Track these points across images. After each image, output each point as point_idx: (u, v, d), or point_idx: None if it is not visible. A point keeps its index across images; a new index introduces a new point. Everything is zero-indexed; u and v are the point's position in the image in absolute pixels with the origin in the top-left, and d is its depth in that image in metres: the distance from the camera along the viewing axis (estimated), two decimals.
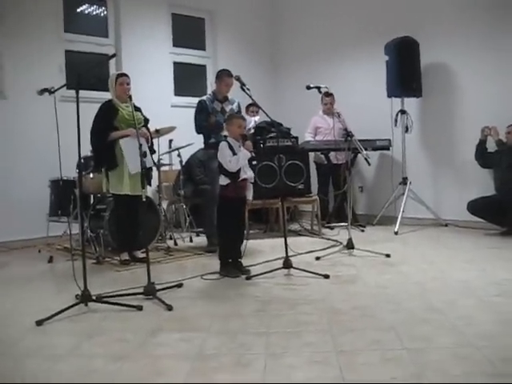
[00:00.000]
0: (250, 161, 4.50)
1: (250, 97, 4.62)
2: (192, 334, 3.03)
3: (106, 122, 4.85)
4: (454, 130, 6.63)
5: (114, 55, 4.04)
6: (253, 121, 5.88)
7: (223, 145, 4.50)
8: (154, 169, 5.48)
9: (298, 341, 2.88)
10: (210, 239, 5.60)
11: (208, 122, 5.39)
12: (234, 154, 4.44)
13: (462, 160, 6.53)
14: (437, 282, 4.03)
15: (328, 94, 6.93)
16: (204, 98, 5.63)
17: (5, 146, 6.11)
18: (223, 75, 5.51)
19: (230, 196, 4.48)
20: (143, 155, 3.91)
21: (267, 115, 4.65)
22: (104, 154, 4.89)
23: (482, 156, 6.08)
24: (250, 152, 4.49)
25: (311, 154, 7.27)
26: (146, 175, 3.95)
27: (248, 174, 4.57)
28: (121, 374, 2.53)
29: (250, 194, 4.64)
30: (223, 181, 4.49)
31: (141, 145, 3.86)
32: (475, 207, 6.02)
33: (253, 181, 4.70)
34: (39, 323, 3.27)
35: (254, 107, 7.23)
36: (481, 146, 6.08)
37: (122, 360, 2.68)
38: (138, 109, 5.06)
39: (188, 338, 2.97)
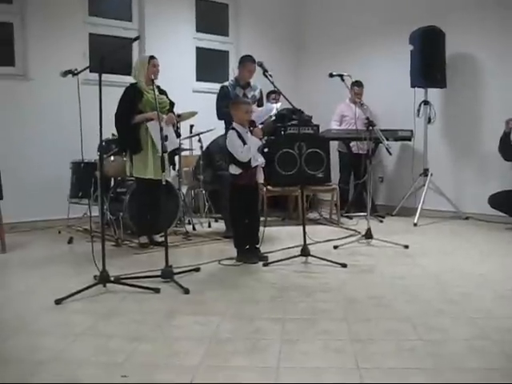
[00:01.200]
0: (260, 147, 4.46)
1: (272, 83, 4.59)
2: (208, 318, 3.05)
3: (131, 106, 4.86)
4: (478, 122, 6.54)
5: (137, 38, 4.04)
6: (274, 108, 5.85)
7: (232, 134, 4.42)
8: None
9: (313, 328, 2.89)
10: (228, 225, 5.62)
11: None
12: (244, 142, 4.39)
13: (485, 153, 6.44)
14: (454, 275, 4.00)
15: (359, 84, 6.89)
16: (226, 83, 5.62)
17: (28, 127, 6.18)
18: (246, 61, 5.49)
19: (242, 184, 4.46)
20: (164, 139, 3.93)
21: (289, 102, 4.61)
22: (128, 138, 4.91)
23: (506, 149, 5.98)
24: (260, 139, 4.45)
25: (335, 143, 7.24)
26: (169, 159, 3.96)
27: (259, 160, 4.51)
28: (137, 353, 2.56)
29: (260, 178, 4.62)
30: (235, 170, 4.45)
31: (161, 128, 3.87)
32: (496, 201, 5.94)
33: (263, 165, 4.66)
34: (58, 302, 3.32)
35: (275, 94, 7.21)
36: (505, 139, 5.97)
37: (138, 340, 2.71)
38: (163, 92, 5.08)
39: (204, 322, 2.99)
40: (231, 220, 4.72)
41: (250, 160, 4.41)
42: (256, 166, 4.51)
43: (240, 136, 4.41)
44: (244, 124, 4.46)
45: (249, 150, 4.35)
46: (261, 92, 5.69)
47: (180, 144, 5.95)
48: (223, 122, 5.52)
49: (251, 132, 4.42)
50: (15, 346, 2.69)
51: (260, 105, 5.47)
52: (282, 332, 2.83)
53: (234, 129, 4.46)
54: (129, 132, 4.89)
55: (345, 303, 3.33)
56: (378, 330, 2.85)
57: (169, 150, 4.58)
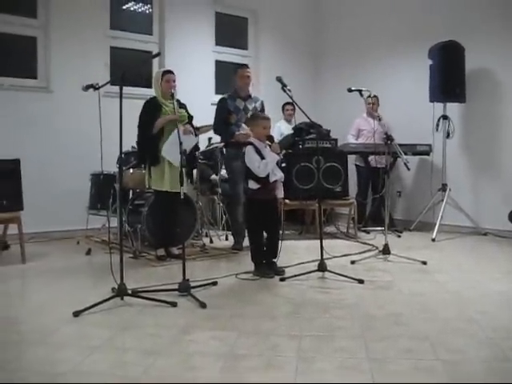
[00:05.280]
0: (278, 162, 4.47)
1: (291, 98, 4.60)
2: (224, 333, 3.06)
3: (151, 117, 4.89)
4: (497, 137, 6.49)
5: (158, 54, 4.09)
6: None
7: (250, 149, 4.45)
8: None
9: (330, 345, 2.87)
10: (234, 237, 5.65)
11: (228, 123, 5.47)
12: (262, 157, 4.40)
13: (504, 168, 6.39)
14: (473, 292, 3.95)
15: (372, 96, 6.90)
16: (225, 95, 5.63)
17: (49, 138, 6.26)
18: (238, 68, 5.58)
19: (261, 199, 4.46)
20: (183, 153, 3.94)
21: (307, 116, 4.62)
22: (149, 149, 4.93)
23: None
24: (278, 154, 4.46)
25: (353, 157, 7.23)
26: (187, 172, 3.99)
27: (278, 175, 4.53)
28: (153, 368, 2.57)
29: (280, 193, 4.63)
30: (253, 185, 4.46)
31: (181, 143, 3.90)
32: None
33: (283, 180, 4.68)
34: (76, 314, 3.34)
35: (289, 105, 7.26)
36: None
37: (154, 355, 2.72)
38: (183, 106, 5.12)
39: (220, 337, 2.99)
40: (249, 234, 4.72)
41: (268, 175, 4.42)
42: (275, 181, 4.52)
43: (258, 151, 4.42)
44: (262, 139, 4.48)
45: (266, 164, 4.37)
46: (262, 104, 5.70)
47: (198, 157, 6.01)
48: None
49: (270, 148, 4.44)
50: (33, 358, 2.71)
51: None
52: (299, 349, 2.82)
53: (252, 144, 4.47)
54: (149, 143, 4.91)
55: (362, 320, 3.31)
56: (395, 348, 2.82)
57: (190, 146, 4.79)
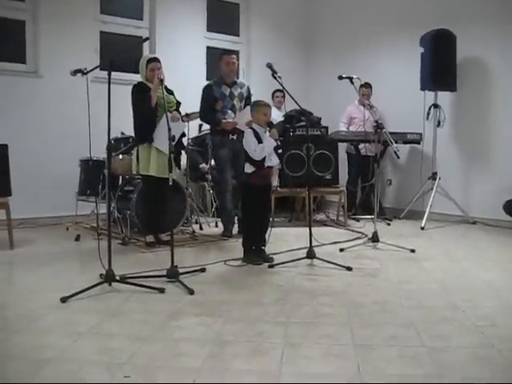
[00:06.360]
0: (275, 149, 4.49)
1: (281, 85, 4.58)
2: (212, 320, 3.06)
3: (143, 96, 4.83)
4: (488, 126, 6.50)
5: (146, 39, 4.05)
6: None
7: (248, 132, 4.51)
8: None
9: (316, 332, 2.89)
10: (224, 225, 5.65)
11: (214, 109, 5.43)
12: (260, 141, 4.44)
13: (494, 157, 6.41)
14: (460, 281, 3.98)
15: (367, 85, 6.89)
16: (211, 82, 5.59)
17: (38, 124, 6.20)
18: (222, 54, 5.54)
19: (255, 183, 4.49)
20: (171, 139, 3.92)
21: (297, 104, 4.61)
22: (148, 124, 4.87)
23: None
24: (276, 140, 4.48)
25: (344, 145, 7.23)
26: (175, 159, 3.96)
27: (274, 161, 4.56)
28: (139, 354, 2.57)
29: (274, 180, 4.65)
30: (248, 168, 4.49)
31: (170, 128, 3.88)
32: None
33: (279, 167, 4.70)
34: (63, 300, 3.33)
35: (279, 92, 7.23)
36: None
37: (141, 341, 2.73)
38: (170, 92, 5.08)
39: (208, 323, 3.00)
40: (243, 219, 4.73)
41: (263, 159, 4.44)
42: (270, 167, 4.55)
43: (257, 135, 4.46)
44: (262, 125, 4.52)
45: (263, 148, 4.40)
46: (248, 90, 5.66)
47: (188, 144, 5.98)
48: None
49: (269, 133, 4.48)
50: (20, 344, 2.71)
51: (248, 103, 5.39)
52: (285, 335, 2.83)
53: (252, 128, 4.52)
54: (149, 118, 4.85)
55: (349, 307, 3.32)
56: (381, 335, 2.84)
57: (179, 133, 4.75)
